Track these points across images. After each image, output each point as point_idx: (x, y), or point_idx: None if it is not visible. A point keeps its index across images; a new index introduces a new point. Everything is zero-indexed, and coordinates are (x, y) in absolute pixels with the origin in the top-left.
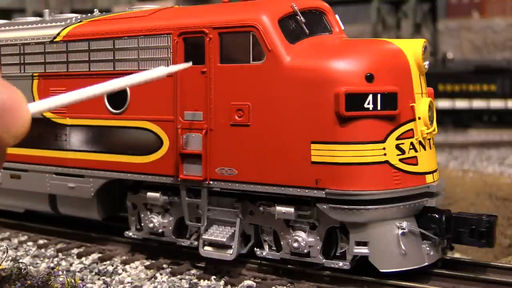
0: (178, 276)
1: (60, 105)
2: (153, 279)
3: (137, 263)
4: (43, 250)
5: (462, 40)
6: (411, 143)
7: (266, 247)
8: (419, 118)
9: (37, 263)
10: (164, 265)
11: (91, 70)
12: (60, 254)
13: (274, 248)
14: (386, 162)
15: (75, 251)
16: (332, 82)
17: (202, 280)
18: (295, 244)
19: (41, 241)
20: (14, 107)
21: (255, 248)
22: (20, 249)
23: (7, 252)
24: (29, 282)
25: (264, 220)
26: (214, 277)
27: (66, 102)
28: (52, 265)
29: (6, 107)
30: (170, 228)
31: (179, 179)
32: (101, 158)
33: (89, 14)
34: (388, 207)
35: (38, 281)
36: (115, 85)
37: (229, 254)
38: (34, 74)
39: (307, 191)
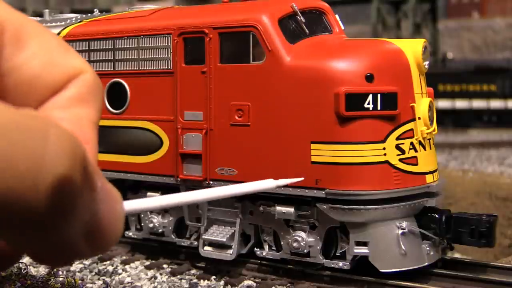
0: (178, 276)
1: (159, 207)
2: (153, 279)
3: (137, 263)
4: None
5: (462, 40)
6: (411, 143)
7: (266, 247)
8: (419, 118)
9: (37, 263)
10: (164, 265)
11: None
12: None
13: (274, 248)
14: (386, 162)
15: None
16: (332, 82)
17: (202, 280)
18: (295, 244)
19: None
20: (111, 221)
21: (255, 248)
22: None
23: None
24: (29, 282)
25: (264, 220)
26: (214, 277)
27: (167, 204)
28: None
29: (103, 224)
30: (170, 228)
31: (179, 179)
32: (101, 158)
33: (89, 14)
34: (388, 207)
35: (38, 281)
36: (219, 193)
37: (229, 254)
38: None
39: (307, 191)
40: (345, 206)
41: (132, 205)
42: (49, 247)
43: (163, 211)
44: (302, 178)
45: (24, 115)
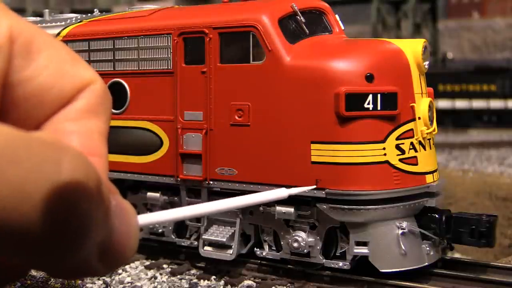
0: (178, 276)
1: (174, 220)
2: (153, 279)
3: (137, 263)
4: None
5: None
6: (411, 143)
7: (266, 247)
8: (419, 118)
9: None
10: (164, 265)
11: None
12: None
13: (274, 248)
14: (386, 162)
15: None
16: (332, 82)
17: (202, 280)
18: (295, 244)
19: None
20: (125, 240)
21: (255, 248)
22: None
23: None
24: (29, 282)
25: (264, 220)
26: (214, 277)
27: (181, 217)
28: None
29: (118, 243)
30: (170, 228)
31: (179, 179)
32: None
33: (89, 14)
34: (388, 207)
35: (38, 281)
36: (233, 204)
37: (229, 254)
38: None
39: (307, 191)
40: (345, 206)
41: (146, 218)
42: (63, 267)
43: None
44: (314, 186)
45: (38, 141)
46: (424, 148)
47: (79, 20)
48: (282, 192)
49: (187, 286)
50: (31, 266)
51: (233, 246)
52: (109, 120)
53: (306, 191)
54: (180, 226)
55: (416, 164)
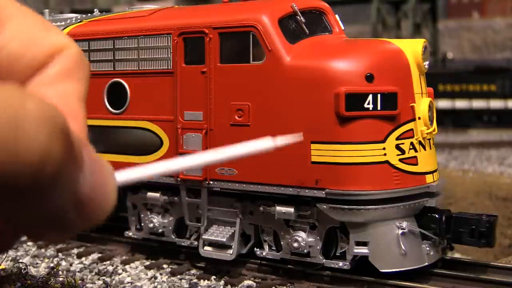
0: (178, 276)
1: (153, 176)
2: (153, 279)
3: (137, 263)
4: (43, 250)
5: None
6: (411, 143)
7: (266, 247)
8: (419, 118)
9: (37, 263)
10: (164, 265)
11: (91, 70)
12: (60, 254)
13: (274, 248)
14: (386, 162)
15: (75, 251)
16: (332, 82)
17: (202, 280)
18: (295, 244)
19: (41, 241)
20: (102, 193)
21: (255, 248)
22: (20, 249)
23: (7, 252)
24: (29, 282)
25: (264, 220)
26: (214, 277)
27: (160, 172)
28: (52, 265)
29: (94, 195)
30: (170, 228)
31: (179, 179)
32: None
33: (89, 14)
34: (388, 207)
35: (38, 281)
36: (215, 157)
37: (229, 254)
38: None
39: (307, 191)
40: (345, 206)
41: (125, 176)
42: (40, 217)
43: (163, 211)
44: (301, 134)
45: (1, 87)
46: (424, 148)
47: (79, 20)
48: (267, 142)
49: (187, 286)
50: (8, 218)
51: (233, 246)
52: (87, 84)
53: (292, 141)
54: (180, 226)
55: (416, 164)
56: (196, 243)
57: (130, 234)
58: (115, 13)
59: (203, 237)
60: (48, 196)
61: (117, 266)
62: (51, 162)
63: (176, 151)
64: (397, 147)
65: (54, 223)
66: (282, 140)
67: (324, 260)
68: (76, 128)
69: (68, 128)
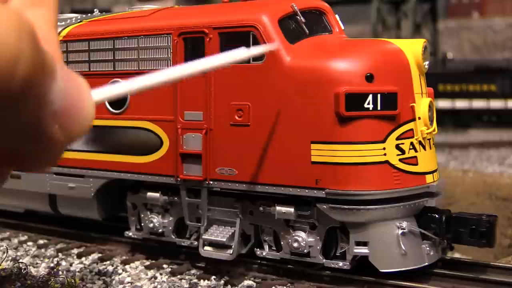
0: (178, 276)
1: (128, 92)
2: (153, 279)
3: (137, 263)
4: (43, 250)
5: (462, 40)
6: (411, 143)
7: (266, 247)
8: (419, 118)
9: (37, 263)
10: (164, 265)
11: (91, 70)
12: (60, 254)
13: (274, 248)
14: (386, 162)
15: (75, 251)
16: (332, 82)
17: (202, 280)
18: (295, 244)
19: (41, 241)
20: (78, 105)
21: (255, 248)
22: (20, 249)
23: (7, 252)
24: (29, 282)
25: (264, 220)
26: (214, 277)
27: (135, 89)
28: (52, 265)
29: (70, 106)
30: (170, 228)
31: (179, 179)
32: (101, 158)
33: (89, 14)
34: (388, 207)
35: (38, 281)
36: (195, 68)
37: (229, 254)
38: None
39: (307, 191)
40: (345, 206)
41: (101, 93)
42: (18, 130)
43: (163, 211)
44: (276, 42)
45: None
46: (424, 148)
47: (79, 20)
48: (241, 52)
49: (187, 286)
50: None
51: (233, 246)
52: (55, 9)
53: (267, 50)
54: (180, 226)
55: (416, 164)
56: (196, 243)
57: (130, 234)
58: (115, 13)
59: (203, 237)
60: (22, 103)
61: (117, 266)
62: (22, 63)
63: (176, 151)
64: (397, 147)
65: (35, 138)
66: (257, 49)
67: (324, 260)
68: (49, 50)
69: (36, 33)
